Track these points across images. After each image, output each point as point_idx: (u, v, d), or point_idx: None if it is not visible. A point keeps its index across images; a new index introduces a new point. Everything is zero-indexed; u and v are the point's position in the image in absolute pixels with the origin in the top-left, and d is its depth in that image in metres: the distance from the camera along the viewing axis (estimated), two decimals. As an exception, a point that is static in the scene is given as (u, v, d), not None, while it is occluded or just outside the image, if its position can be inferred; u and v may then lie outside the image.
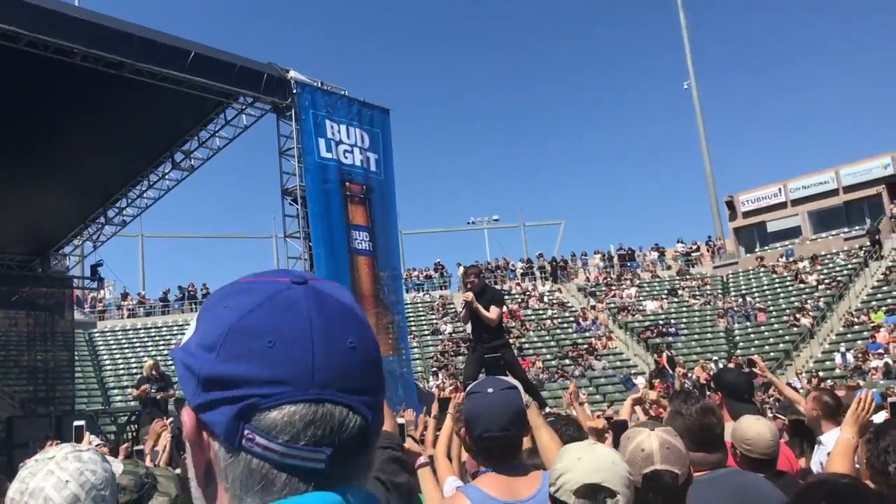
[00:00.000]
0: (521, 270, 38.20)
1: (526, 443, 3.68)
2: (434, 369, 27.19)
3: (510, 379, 2.96)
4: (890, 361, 21.97)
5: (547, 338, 30.48)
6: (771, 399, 13.85)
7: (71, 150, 15.75)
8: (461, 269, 36.57)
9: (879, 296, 27.40)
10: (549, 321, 31.90)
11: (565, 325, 31.51)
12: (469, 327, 8.62)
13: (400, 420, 4.12)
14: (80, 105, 14.39)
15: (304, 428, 0.73)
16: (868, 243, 30.90)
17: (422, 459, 3.35)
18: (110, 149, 16.46)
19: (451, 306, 33.91)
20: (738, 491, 2.77)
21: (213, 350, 0.76)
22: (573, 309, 33.07)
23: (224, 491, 0.77)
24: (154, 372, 12.96)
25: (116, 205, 19.59)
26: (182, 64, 13.59)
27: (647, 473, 2.15)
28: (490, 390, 2.53)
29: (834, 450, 3.21)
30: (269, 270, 0.87)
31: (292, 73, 15.43)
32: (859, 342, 24.50)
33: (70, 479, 1.74)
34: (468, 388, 2.79)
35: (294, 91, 15.24)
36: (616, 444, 4.16)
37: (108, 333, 32.55)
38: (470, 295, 7.82)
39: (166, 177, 18.53)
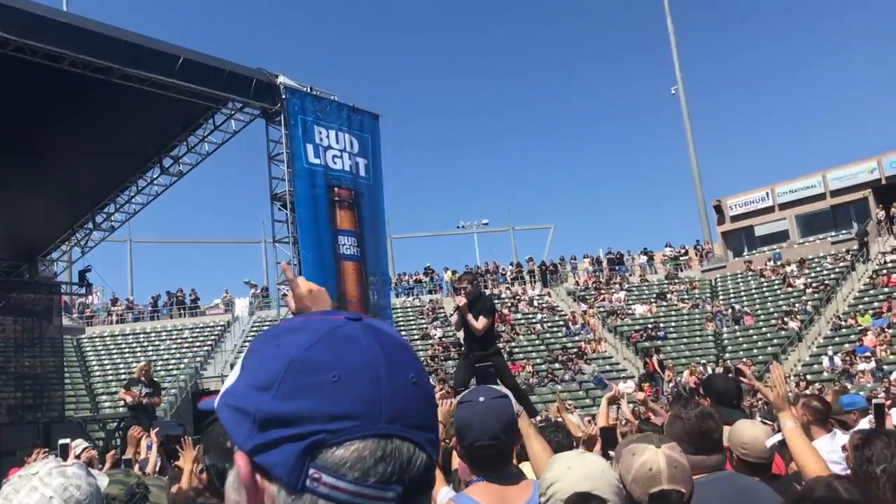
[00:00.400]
0: (511, 274, 38.25)
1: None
2: (424, 374, 27.15)
3: (501, 388, 2.98)
4: (876, 365, 22.11)
5: (537, 342, 30.52)
6: (759, 402, 13.91)
7: (59, 155, 15.68)
8: (448, 274, 36.60)
9: (866, 299, 27.58)
10: (538, 325, 31.95)
11: (555, 328, 31.57)
12: (461, 333, 8.62)
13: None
14: (68, 110, 14.33)
15: (375, 464, 0.70)
16: (856, 246, 31.10)
17: None
18: (98, 154, 16.40)
19: (441, 311, 33.91)
20: (737, 493, 2.79)
21: (269, 389, 0.73)
22: (563, 313, 33.14)
23: None
24: (144, 377, 12.86)
25: (104, 210, 19.50)
26: (171, 69, 13.56)
27: (654, 493, 2.13)
28: (481, 399, 2.53)
29: (791, 445, 3.25)
30: (322, 311, 0.88)
31: (281, 79, 15.42)
32: (847, 345, 24.65)
33: (54, 496, 1.72)
34: (459, 397, 2.80)
35: (283, 96, 15.23)
36: (605, 451, 4.19)
37: (97, 339, 32.39)
38: (463, 299, 7.83)
39: (155, 182, 18.47)
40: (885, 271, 28.45)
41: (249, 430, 0.73)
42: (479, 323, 7.79)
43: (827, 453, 4.33)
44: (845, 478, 2.41)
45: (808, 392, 13.61)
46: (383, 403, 0.72)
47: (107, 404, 26.22)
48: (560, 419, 5.64)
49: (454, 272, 34.90)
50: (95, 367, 29.85)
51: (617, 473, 2.18)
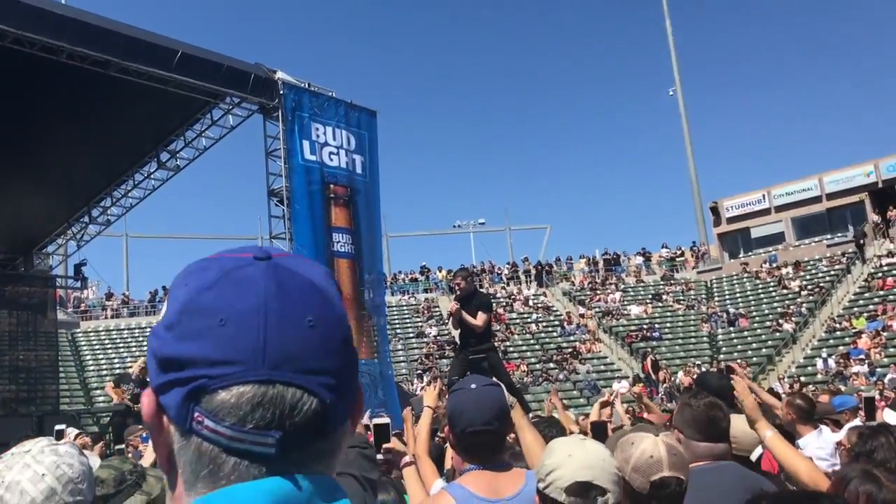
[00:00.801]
0: (507, 274, 38.27)
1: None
2: (419, 372, 27.16)
3: (494, 378, 2.98)
4: (869, 368, 22.17)
5: (532, 341, 30.54)
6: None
7: (55, 148, 15.65)
8: (441, 274, 36.58)
9: (861, 302, 27.64)
10: (533, 325, 31.97)
11: (550, 328, 31.59)
12: (456, 331, 8.63)
13: (384, 420, 4.11)
14: (66, 103, 14.31)
15: (252, 410, 0.69)
16: (851, 249, 31.17)
17: (407, 459, 3.35)
18: (95, 148, 16.37)
19: (437, 309, 33.90)
20: (740, 481, 2.81)
21: (170, 329, 0.74)
22: (558, 313, 33.16)
23: (179, 476, 0.73)
24: (141, 374, 12.69)
25: (101, 204, 19.48)
26: (169, 63, 13.56)
27: (656, 480, 2.13)
28: (473, 386, 2.53)
29: (776, 454, 3.28)
30: (238, 247, 0.82)
31: (279, 74, 15.43)
32: (841, 348, 24.69)
33: (46, 473, 1.72)
34: (452, 386, 2.80)
35: (281, 92, 15.24)
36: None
37: (92, 334, 32.33)
38: (455, 305, 7.85)
39: (151, 176, 18.45)
40: (880, 274, 28.50)
41: (155, 370, 0.74)
42: (479, 319, 7.80)
43: (814, 450, 4.36)
44: (880, 468, 2.41)
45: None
46: (267, 349, 0.70)
47: (101, 399, 26.12)
48: (555, 411, 5.65)
49: (449, 272, 34.89)
50: (90, 362, 29.80)
51: (616, 463, 2.18)
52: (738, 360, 24.40)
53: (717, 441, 2.94)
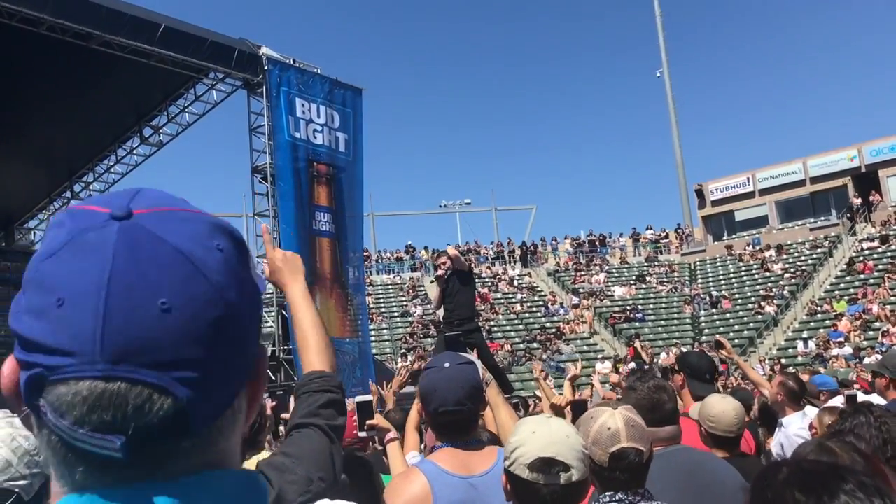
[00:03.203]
0: (492, 254, 38.30)
1: (490, 423, 3.73)
2: (403, 351, 27.22)
3: (468, 355, 2.99)
4: (850, 351, 22.41)
5: (516, 321, 30.64)
6: (736, 378, 14.04)
7: (36, 122, 15.49)
8: (424, 254, 36.54)
9: (842, 285, 27.88)
10: (518, 305, 32.06)
11: (534, 308, 31.70)
12: (441, 312, 8.68)
13: (367, 397, 4.13)
14: (46, 77, 14.15)
15: (89, 412, 0.59)
16: (835, 232, 31.45)
17: (390, 435, 3.36)
18: (77, 122, 16.22)
19: (421, 288, 33.91)
20: (691, 465, 2.83)
21: (23, 296, 0.64)
22: (542, 293, 33.26)
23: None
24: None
25: (83, 179, 19.33)
26: (152, 37, 13.42)
27: (615, 452, 2.15)
28: (447, 365, 2.53)
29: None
30: (114, 193, 0.69)
31: (264, 50, 15.29)
32: (821, 330, 24.92)
33: (1, 445, 1.72)
34: (426, 364, 2.80)
35: (266, 68, 15.12)
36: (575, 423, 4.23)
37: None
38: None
39: (134, 152, 18.33)
40: (861, 258, 28.75)
41: (16, 340, 0.64)
42: (461, 262, 8.02)
43: (797, 429, 4.40)
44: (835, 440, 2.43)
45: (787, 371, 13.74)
46: (106, 339, 0.59)
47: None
48: (539, 381, 5.70)
49: (433, 251, 34.88)
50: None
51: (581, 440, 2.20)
52: (722, 338, 24.56)
53: (661, 424, 2.95)
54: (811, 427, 4.11)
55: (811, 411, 4.67)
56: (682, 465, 2.82)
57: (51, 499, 0.65)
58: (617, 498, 2.15)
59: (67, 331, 0.60)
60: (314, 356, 1.55)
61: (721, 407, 3.53)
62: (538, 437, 1.95)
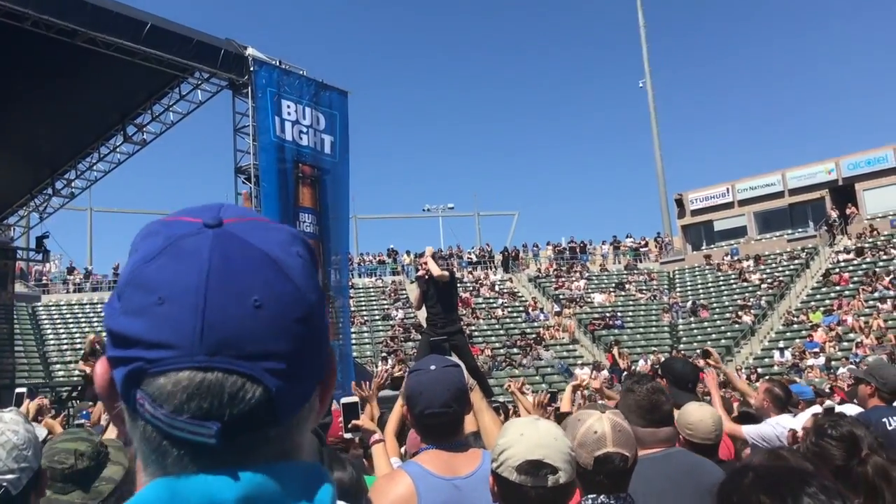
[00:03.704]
0: (474, 259, 38.36)
1: (472, 425, 3.77)
2: (384, 354, 27.19)
3: (454, 358, 3.03)
4: (824, 361, 22.67)
5: (496, 326, 30.70)
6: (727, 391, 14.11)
7: (19, 118, 15.35)
8: (407, 258, 36.49)
9: (818, 297, 28.19)
10: (499, 310, 32.13)
11: (515, 314, 31.77)
12: (422, 314, 8.71)
13: (353, 399, 4.14)
14: (30, 73, 14.03)
15: (188, 399, 0.64)
16: (812, 244, 31.79)
17: (376, 436, 3.38)
18: (60, 119, 16.09)
19: (403, 292, 33.88)
20: (688, 469, 2.85)
21: (119, 300, 0.69)
22: (523, 299, 33.35)
23: (137, 452, 0.70)
24: (97, 346, 12.66)
25: (65, 176, 19.15)
26: (137, 35, 13.35)
27: (600, 456, 2.16)
28: (432, 367, 2.54)
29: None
30: (198, 207, 0.75)
31: (250, 51, 15.26)
32: (797, 341, 25.18)
33: None
34: (411, 367, 2.82)
35: (251, 68, 15.07)
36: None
37: (53, 307, 31.79)
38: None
39: (117, 150, 18.19)
40: (837, 270, 29.10)
41: (108, 340, 0.69)
42: (437, 270, 7.96)
43: (781, 429, 4.47)
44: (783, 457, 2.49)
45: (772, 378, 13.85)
46: (206, 332, 0.65)
47: (60, 373, 25.81)
48: (516, 395, 5.73)
49: (415, 255, 34.88)
50: (50, 336, 29.33)
51: (569, 442, 2.22)
52: (698, 350, 24.79)
53: (659, 425, 2.98)
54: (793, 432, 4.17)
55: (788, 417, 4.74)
56: (681, 467, 2.85)
57: (136, 486, 0.69)
58: (599, 501, 2.17)
59: (168, 326, 0.65)
60: None
61: (699, 415, 3.56)
62: (526, 439, 1.94)
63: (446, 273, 8.01)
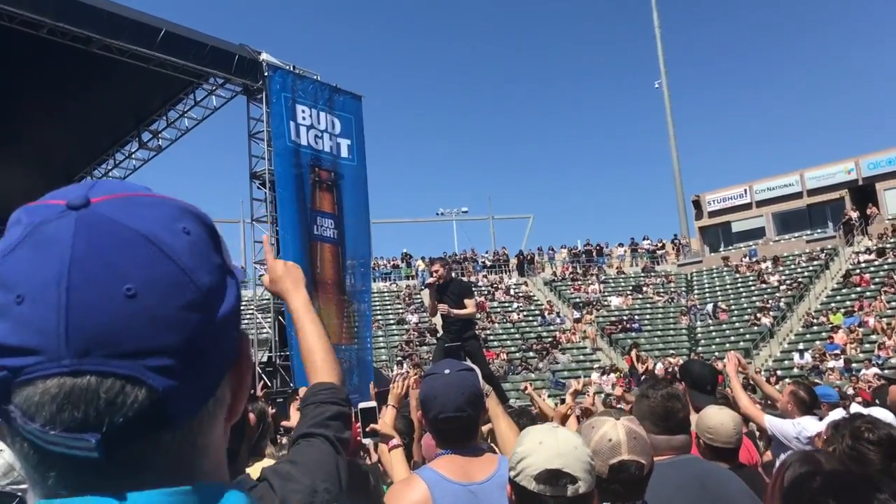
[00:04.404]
0: (489, 263, 38.30)
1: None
2: (399, 359, 27.18)
3: (468, 362, 2.98)
4: (845, 363, 22.41)
5: (512, 330, 30.62)
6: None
7: (34, 126, 15.47)
8: (421, 264, 36.47)
9: (838, 298, 27.90)
10: (514, 314, 32.04)
11: (531, 318, 31.68)
12: (437, 319, 8.66)
13: (371, 404, 4.11)
14: (46, 80, 14.14)
15: (59, 410, 0.56)
16: (831, 245, 31.49)
17: (394, 441, 3.35)
18: (75, 126, 16.20)
19: (418, 297, 33.88)
20: (700, 476, 2.80)
21: None
22: (539, 302, 33.25)
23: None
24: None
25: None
26: (152, 42, 13.42)
27: (615, 464, 2.12)
28: (447, 371, 2.53)
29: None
30: (68, 187, 0.66)
31: (264, 56, 15.30)
32: (818, 343, 24.93)
33: (3, 449, 1.70)
34: (426, 371, 2.79)
35: (266, 74, 15.12)
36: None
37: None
38: (444, 307, 7.82)
39: (133, 156, 18.31)
40: (857, 271, 28.80)
41: None
42: (469, 306, 7.87)
43: (807, 434, 4.40)
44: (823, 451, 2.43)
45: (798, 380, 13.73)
46: (71, 332, 0.56)
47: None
48: (533, 396, 5.68)
49: (429, 260, 34.87)
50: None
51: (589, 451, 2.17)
52: (716, 353, 24.60)
53: (674, 433, 2.91)
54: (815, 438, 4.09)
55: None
56: (695, 475, 2.79)
57: None
58: None
59: (29, 328, 0.57)
60: (321, 368, 1.53)
61: (719, 419, 3.51)
62: (545, 447, 1.90)
63: (472, 310, 7.95)
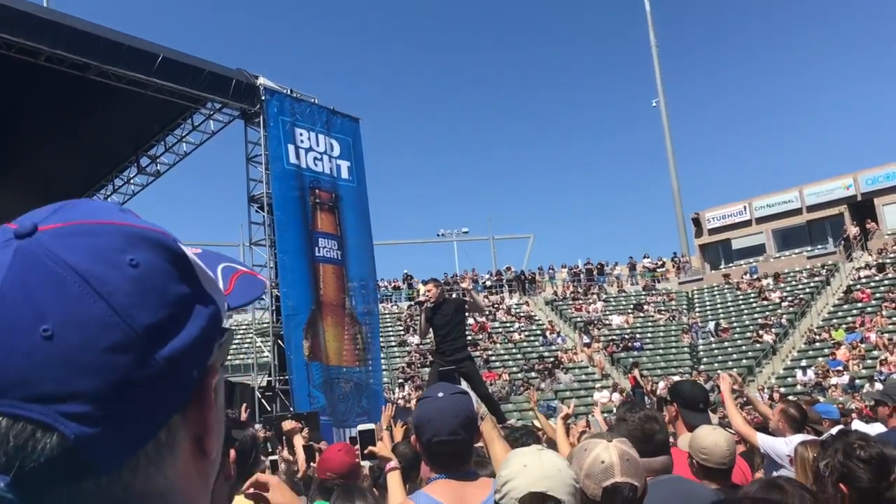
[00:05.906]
0: (490, 283, 38.25)
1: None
2: (400, 381, 27.07)
3: (464, 385, 2.96)
4: (848, 379, 22.31)
5: (514, 350, 30.52)
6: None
7: (33, 152, 15.51)
8: (422, 287, 36.38)
9: (840, 314, 27.84)
10: (516, 334, 31.95)
11: (532, 338, 31.58)
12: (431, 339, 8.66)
13: (368, 426, 4.10)
14: (44, 106, 14.20)
15: None
16: (832, 260, 31.47)
17: (392, 464, 3.34)
18: (74, 152, 16.25)
19: (419, 318, 33.80)
20: (679, 495, 2.79)
21: None
22: (540, 322, 33.16)
23: None
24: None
25: (79, 209, 19.31)
26: (149, 68, 13.48)
27: (608, 486, 2.10)
28: (440, 395, 2.51)
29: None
30: (36, 210, 0.63)
31: (261, 80, 15.37)
32: (820, 359, 24.84)
33: None
34: (420, 395, 2.78)
35: (263, 98, 15.17)
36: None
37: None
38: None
39: (131, 181, 18.34)
40: (858, 287, 28.75)
41: None
42: (478, 298, 7.97)
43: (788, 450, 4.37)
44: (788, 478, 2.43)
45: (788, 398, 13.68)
46: None
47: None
48: (537, 420, 5.63)
49: (422, 282, 34.81)
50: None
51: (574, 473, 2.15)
52: (719, 371, 24.49)
53: (654, 455, 2.90)
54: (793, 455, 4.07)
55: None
56: (677, 494, 2.78)
57: None
58: None
59: None
60: None
61: (712, 439, 3.48)
62: (530, 470, 1.90)
63: (485, 309, 8.04)
